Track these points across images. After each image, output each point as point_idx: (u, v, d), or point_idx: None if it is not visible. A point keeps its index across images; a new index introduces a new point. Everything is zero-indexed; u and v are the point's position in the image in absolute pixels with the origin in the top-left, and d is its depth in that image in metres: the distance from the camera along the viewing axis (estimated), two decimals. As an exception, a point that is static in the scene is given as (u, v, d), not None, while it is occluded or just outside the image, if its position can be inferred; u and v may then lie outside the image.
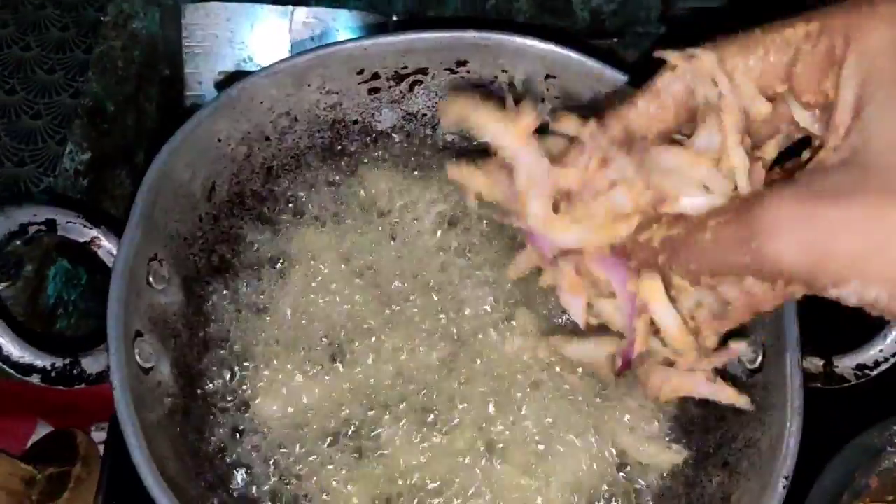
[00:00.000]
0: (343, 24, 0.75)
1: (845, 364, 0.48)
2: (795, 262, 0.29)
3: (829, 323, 0.50)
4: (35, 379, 0.45)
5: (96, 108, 0.69)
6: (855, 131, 0.30)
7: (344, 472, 0.51)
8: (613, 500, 0.51)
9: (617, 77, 0.54)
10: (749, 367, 0.51)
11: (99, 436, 0.64)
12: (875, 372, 0.48)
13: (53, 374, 0.46)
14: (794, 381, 0.45)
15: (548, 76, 0.57)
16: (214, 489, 0.50)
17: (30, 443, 0.64)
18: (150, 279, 0.50)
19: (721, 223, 0.32)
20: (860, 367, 0.48)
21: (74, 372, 0.46)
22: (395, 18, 0.77)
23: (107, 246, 0.49)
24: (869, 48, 0.31)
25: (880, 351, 0.47)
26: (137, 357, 0.47)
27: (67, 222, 0.48)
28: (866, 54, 0.31)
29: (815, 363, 0.48)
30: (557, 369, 0.54)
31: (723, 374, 0.45)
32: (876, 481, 0.53)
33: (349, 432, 0.53)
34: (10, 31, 0.68)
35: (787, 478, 0.44)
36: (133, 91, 0.72)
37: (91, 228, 0.49)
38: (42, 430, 0.65)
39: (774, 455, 0.45)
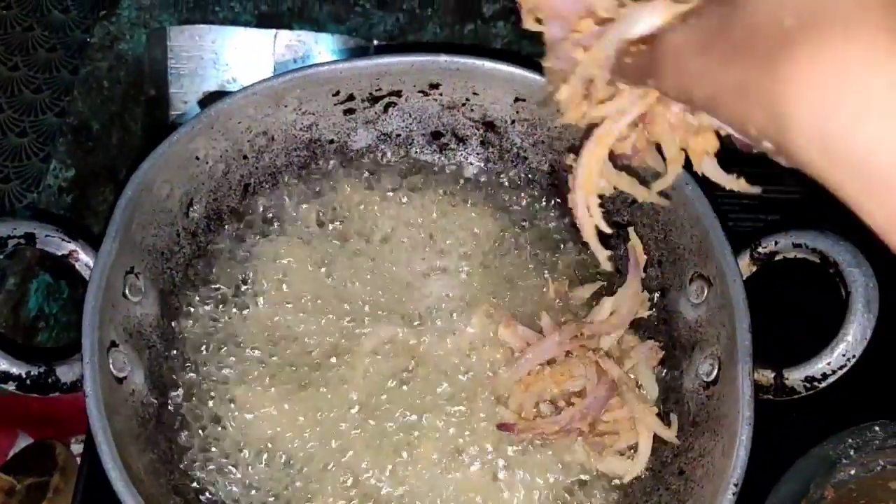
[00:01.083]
0: (325, 48, 0.77)
1: (795, 376, 0.49)
2: (682, 82, 0.30)
3: (782, 336, 0.52)
4: (11, 386, 0.47)
5: (81, 127, 0.70)
6: None
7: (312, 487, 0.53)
8: (573, 508, 0.53)
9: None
10: (706, 379, 0.52)
11: (78, 448, 0.65)
12: (823, 384, 0.49)
13: (28, 381, 0.47)
14: (746, 393, 0.47)
15: (517, 99, 0.59)
16: (185, 496, 0.51)
17: (11, 454, 0.65)
18: (126, 291, 0.52)
19: (641, 51, 0.33)
20: (809, 378, 0.49)
21: (49, 380, 0.48)
22: (375, 43, 0.79)
23: (84, 259, 0.51)
24: None
25: (828, 364, 0.48)
26: (111, 367, 0.49)
27: (46, 236, 0.50)
28: None
29: (767, 375, 0.50)
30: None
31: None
32: (831, 492, 0.54)
33: (318, 454, 0.54)
34: (-1, 51, 0.71)
35: (736, 485, 0.45)
36: (118, 110, 0.73)
37: (69, 242, 0.51)
38: (23, 442, 0.66)
39: (726, 463, 0.46)
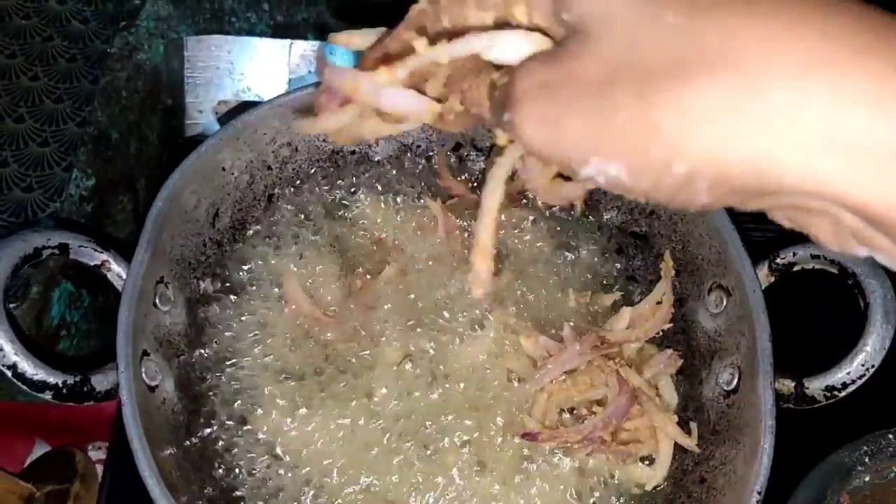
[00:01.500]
0: (340, 58, 0.78)
1: (815, 385, 0.50)
2: (533, 136, 0.28)
3: (801, 346, 0.53)
4: (47, 395, 0.47)
5: (101, 136, 0.71)
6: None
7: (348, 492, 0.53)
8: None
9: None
10: (725, 388, 0.53)
11: (96, 455, 0.66)
12: (843, 393, 0.50)
13: (65, 390, 0.48)
14: (767, 402, 0.48)
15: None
16: (215, 502, 0.52)
17: (28, 461, 0.66)
18: (157, 301, 0.52)
19: (502, 83, 0.30)
20: (829, 388, 0.50)
21: (84, 389, 0.48)
22: (390, 53, 0.80)
23: (116, 269, 0.51)
24: None
25: (847, 373, 0.50)
26: (144, 375, 0.49)
27: (80, 246, 0.51)
28: None
29: (787, 384, 0.51)
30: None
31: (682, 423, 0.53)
32: (847, 499, 0.55)
33: (343, 462, 0.54)
34: (19, 61, 0.71)
35: (759, 493, 0.46)
36: (136, 120, 0.74)
37: (101, 252, 0.51)
38: (39, 450, 0.66)
39: (749, 471, 0.47)
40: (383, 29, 0.38)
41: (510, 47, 0.30)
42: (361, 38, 0.39)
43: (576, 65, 0.27)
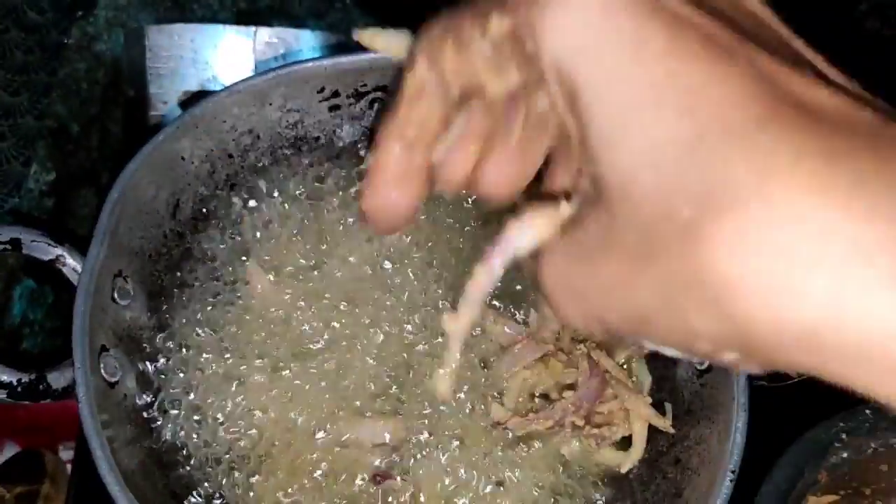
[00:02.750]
0: (306, 45, 0.77)
1: (789, 362, 0.50)
2: (586, 329, 0.26)
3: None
4: (1, 394, 0.46)
5: (61, 130, 0.69)
6: (587, 146, 0.24)
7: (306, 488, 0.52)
8: (570, 500, 0.53)
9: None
10: (699, 367, 0.53)
11: (66, 455, 0.65)
12: (817, 369, 0.49)
13: (20, 388, 0.46)
14: (740, 379, 0.47)
15: (503, 92, 0.59)
16: (180, 498, 0.51)
17: (-2, 463, 0.65)
18: (115, 295, 0.51)
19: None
20: (802, 364, 0.49)
21: (40, 387, 0.47)
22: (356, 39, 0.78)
23: (71, 263, 0.50)
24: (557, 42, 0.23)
25: (821, 348, 0.49)
26: (103, 371, 0.48)
27: (32, 241, 0.49)
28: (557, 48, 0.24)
29: (760, 362, 0.50)
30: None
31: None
32: (825, 476, 0.55)
33: (317, 454, 0.54)
34: (-26, 54, 0.69)
35: (734, 472, 0.46)
36: (97, 112, 0.72)
37: (55, 247, 0.50)
38: (9, 451, 0.65)
39: (722, 450, 0.47)
40: (407, 33, 0.33)
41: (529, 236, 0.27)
42: (384, 40, 0.34)
43: (597, 252, 0.24)
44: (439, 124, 0.29)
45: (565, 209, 0.26)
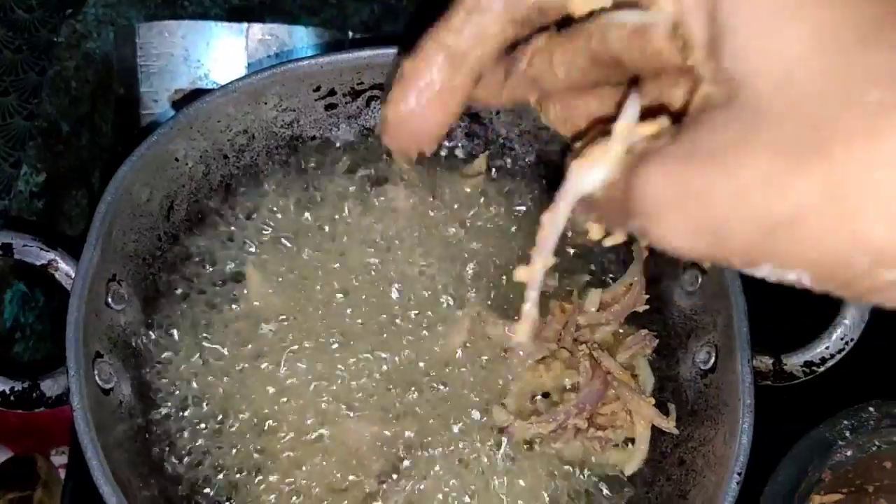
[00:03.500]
0: (299, 41, 0.76)
1: (793, 362, 0.49)
2: (687, 247, 0.22)
3: (778, 322, 0.52)
4: (-6, 403, 0.45)
5: (51, 130, 0.68)
6: (723, 51, 0.22)
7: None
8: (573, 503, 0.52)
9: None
10: (703, 367, 0.52)
11: (59, 460, 0.64)
12: (822, 368, 0.49)
13: (13, 397, 0.45)
14: (746, 380, 0.47)
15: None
16: (178, 507, 0.50)
17: (-10, 469, 0.64)
18: (109, 300, 0.50)
19: (611, 192, 0.25)
20: (808, 364, 0.49)
21: (34, 395, 0.46)
22: (351, 35, 0.77)
23: (64, 268, 0.49)
24: None
25: (826, 348, 0.48)
26: (97, 378, 0.47)
27: (24, 246, 0.48)
28: None
29: (765, 361, 0.50)
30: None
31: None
32: (829, 475, 0.54)
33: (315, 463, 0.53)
34: (-39, 53, 0.68)
35: (740, 473, 0.45)
36: (88, 111, 0.71)
37: (48, 251, 0.49)
38: (1, 456, 0.64)
39: (728, 451, 0.46)
40: None
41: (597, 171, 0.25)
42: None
43: (732, 150, 0.21)
44: (496, 45, 0.26)
45: (664, 121, 0.25)
